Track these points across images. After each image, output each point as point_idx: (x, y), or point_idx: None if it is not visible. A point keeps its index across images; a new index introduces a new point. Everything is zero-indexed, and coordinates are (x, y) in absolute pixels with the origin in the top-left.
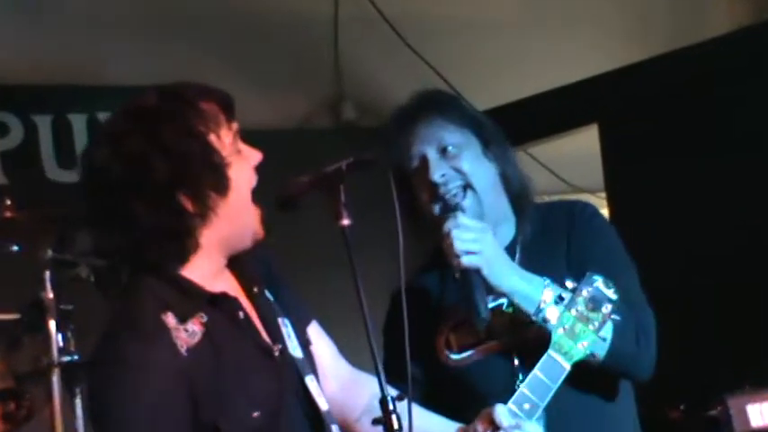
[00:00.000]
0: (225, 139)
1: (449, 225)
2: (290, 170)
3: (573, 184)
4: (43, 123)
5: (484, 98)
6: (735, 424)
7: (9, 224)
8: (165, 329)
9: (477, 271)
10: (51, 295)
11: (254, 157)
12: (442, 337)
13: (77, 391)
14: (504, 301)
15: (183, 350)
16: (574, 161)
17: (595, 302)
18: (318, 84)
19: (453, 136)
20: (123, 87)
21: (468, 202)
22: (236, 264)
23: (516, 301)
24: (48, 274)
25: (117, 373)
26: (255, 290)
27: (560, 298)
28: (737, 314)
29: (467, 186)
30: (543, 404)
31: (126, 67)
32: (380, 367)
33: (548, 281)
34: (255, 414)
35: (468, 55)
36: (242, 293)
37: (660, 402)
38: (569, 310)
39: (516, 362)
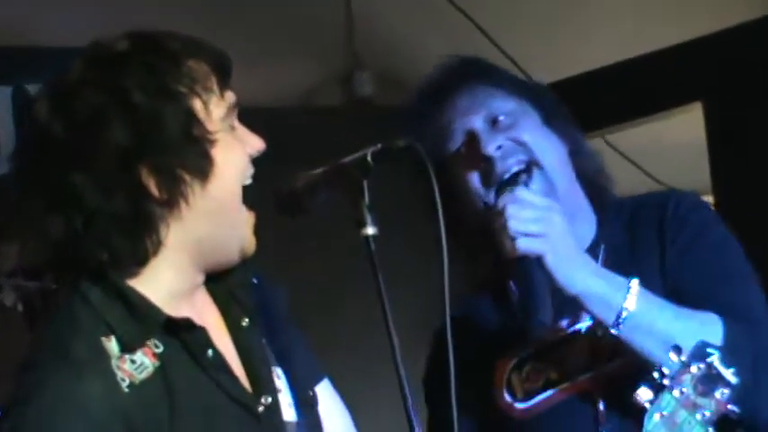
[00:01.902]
0: (214, 110)
1: (503, 200)
2: (290, 159)
3: (666, 183)
4: None
5: (546, 68)
6: None
7: None
8: (103, 357)
9: (539, 260)
10: None
11: (253, 143)
12: (501, 380)
13: None
14: (582, 326)
15: (123, 385)
16: (668, 152)
17: (707, 384)
18: (326, 50)
19: (504, 103)
20: (62, 50)
21: (535, 185)
22: (220, 286)
23: (590, 306)
24: None
25: (32, 413)
26: (245, 324)
27: (661, 374)
28: None
29: (531, 164)
30: None
31: (66, 24)
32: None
33: (636, 282)
34: None
35: (527, 11)
36: (222, 326)
37: None
38: (671, 391)
39: (601, 406)
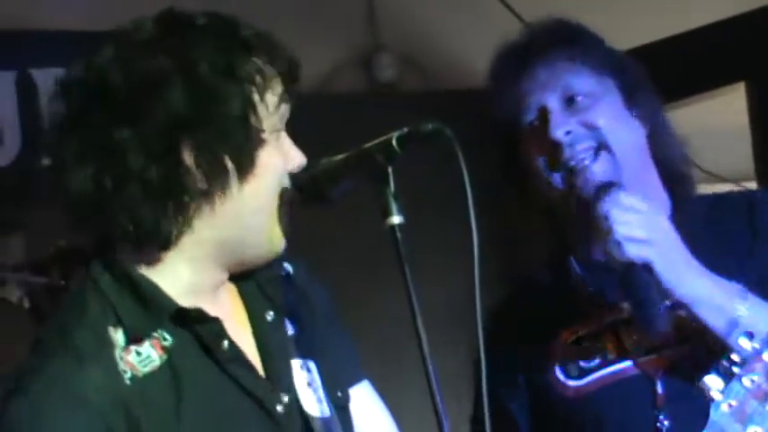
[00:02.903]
0: (267, 113)
1: (606, 206)
2: (309, 148)
3: (707, 170)
4: None
5: None
6: None
7: None
8: (107, 347)
9: (647, 267)
10: None
11: (294, 157)
12: (555, 358)
13: None
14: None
15: (125, 377)
16: (708, 136)
17: None
18: (345, 31)
19: (585, 82)
20: (67, 34)
21: (598, 166)
22: (249, 282)
23: (701, 313)
24: None
25: (29, 399)
26: (269, 318)
27: (730, 361)
28: None
29: (600, 148)
30: None
31: (71, 7)
32: None
33: (745, 289)
34: None
35: None
36: (246, 323)
37: None
38: (741, 379)
39: (660, 389)
